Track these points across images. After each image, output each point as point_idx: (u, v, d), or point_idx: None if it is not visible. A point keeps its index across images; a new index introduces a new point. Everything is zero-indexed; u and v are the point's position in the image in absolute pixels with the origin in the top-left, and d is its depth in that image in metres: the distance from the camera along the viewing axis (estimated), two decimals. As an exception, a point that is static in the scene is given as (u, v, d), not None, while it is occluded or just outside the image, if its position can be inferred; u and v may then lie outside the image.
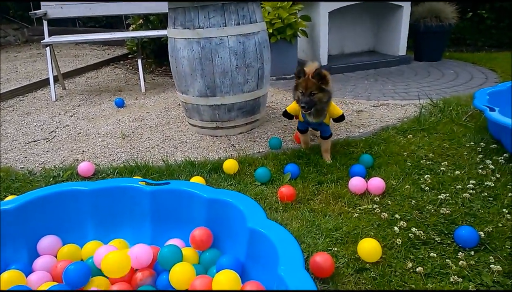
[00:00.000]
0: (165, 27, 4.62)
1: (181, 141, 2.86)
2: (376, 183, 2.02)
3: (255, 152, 2.63)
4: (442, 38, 4.94)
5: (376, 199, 1.96)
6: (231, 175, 2.28)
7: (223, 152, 2.67)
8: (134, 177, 2.04)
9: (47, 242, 1.57)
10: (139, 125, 3.21)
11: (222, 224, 1.56)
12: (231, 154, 2.59)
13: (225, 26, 2.63)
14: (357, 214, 1.86)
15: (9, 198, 1.86)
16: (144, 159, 2.55)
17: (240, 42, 2.67)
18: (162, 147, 2.78)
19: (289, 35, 4.18)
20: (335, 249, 1.63)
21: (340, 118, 2.36)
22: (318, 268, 1.45)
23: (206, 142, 2.82)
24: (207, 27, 2.62)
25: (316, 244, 1.66)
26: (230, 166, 2.29)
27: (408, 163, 2.30)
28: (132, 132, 3.07)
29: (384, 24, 5.05)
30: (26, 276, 1.42)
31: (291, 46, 4.34)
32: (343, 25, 5.01)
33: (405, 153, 2.43)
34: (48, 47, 4.04)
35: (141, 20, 5.16)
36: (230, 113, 2.86)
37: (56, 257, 1.56)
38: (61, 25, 7.14)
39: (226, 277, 1.25)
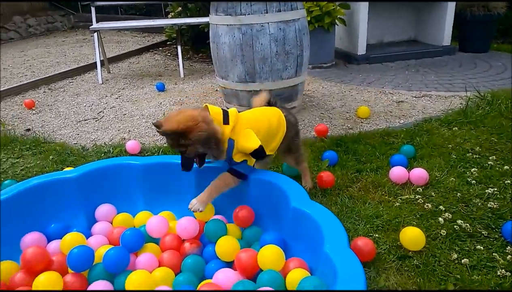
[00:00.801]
0: (203, 15, 4.70)
1: (220, 126, 2.92)
2: (419, 173, 1.99)
3: (292, 138, 2.64)
4: (490, 29, 4.68)
5: (419, 190, 1.93)
6: (270, 159, 2.31)
7: (261, 137, 2.70)
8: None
9: (104, 209, 1.70)
10: (179, 109, 3.30)
11: (265, 202, 1.60)
12: (270, 139, 2.62)
13: (266, 12, 2.64)
14: (398, 203, 1.85)
15: (66, 169, 2.00)
16: (185, 141, 2.64)
17: (280, 28, 2.68)
18: (202, 130, 2.86)
19: (327, 23, 4.12)
20: (376, 235, 1.64)
21: (256, 153, 1.59)
22: (359, 252, 1.45)
23: (244, 127, 2.87)
24: (248, 14, 2.64)
25: (356, 229, 1.67)
26: (269, 150, 2.33)
27: (453, 156, 2.23)
28: (173, 115, 3.18)
29: (427, 12, 4.85)
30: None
31: (328, 35, 4.28)
32: (382, 13, 4.87)
33: (450, 146, 2.36)
34: (96, 33, 4.22)
35: (179, 7, 5.26)
36: (269, 99, 2.88)
37: (111, 223, 1.67)
38: (103, 12, 7.42)
39: (271, 251, 1.30)
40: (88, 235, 1.60)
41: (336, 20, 4.22)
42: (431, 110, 3.00)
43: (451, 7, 4.52)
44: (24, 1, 7.18)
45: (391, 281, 1.41)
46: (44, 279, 1.26)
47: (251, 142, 1.56)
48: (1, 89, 3.90)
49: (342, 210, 1.80)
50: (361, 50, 4.50)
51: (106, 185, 1.75)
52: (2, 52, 6.05)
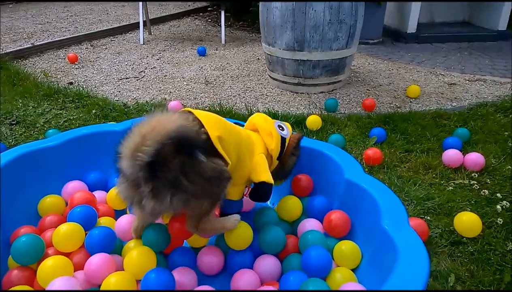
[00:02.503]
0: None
1: (262, 94, 2.87)
2: (475, 158, 1.87)
3: (336, 112, 2.56)
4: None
5: (474, 175, 1.83)
6: (314, 131, 2.25)
7: (304, 108, 2.63)
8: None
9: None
10: (220, 74, 3.27)
11: (319, 173, 1.55)
12: (313, 111, 2.55)
13: (323, -23, 2.50)
14: (451, 188, 1.76)
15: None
16: (227, 106, 2.61)
17: (337, -5, 2.54)
18: (244, 97, 2.82)
19: (380, -4, 3.90)
20: (427, 218, 1.57)
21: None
22: (410, 231, 1.40)
23: (287, 97, 2.80)
24: (304, -22, 2.51)
25: (406, 210, 1.60)
26: (314, 121, 2.27)
27: (510, 143, 2.09)
28: (214, 80, 3.14)
29: (485, -7, 4.49)
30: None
31: (378, 9, 4.06)
32: (438, -10, 4.55)
33: (506, 133, 2.21)
34: (140, -9, 4.18)
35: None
36: (314, 70, 2.78)
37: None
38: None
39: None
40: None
41: (388, -6, 3.99)
42: (485, 95, 2.82)
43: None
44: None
45: (442, 266, 1.35)
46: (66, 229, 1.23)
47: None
48: (45, 42, 3.97)
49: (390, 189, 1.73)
50: (412, 28, 4.25)
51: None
52: (46, 6, 6.13)
